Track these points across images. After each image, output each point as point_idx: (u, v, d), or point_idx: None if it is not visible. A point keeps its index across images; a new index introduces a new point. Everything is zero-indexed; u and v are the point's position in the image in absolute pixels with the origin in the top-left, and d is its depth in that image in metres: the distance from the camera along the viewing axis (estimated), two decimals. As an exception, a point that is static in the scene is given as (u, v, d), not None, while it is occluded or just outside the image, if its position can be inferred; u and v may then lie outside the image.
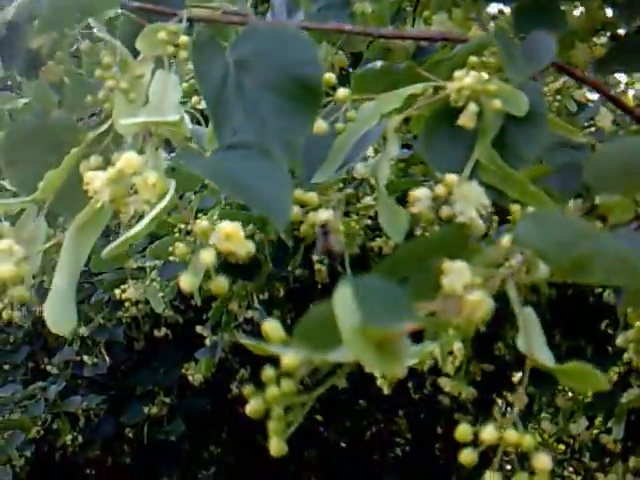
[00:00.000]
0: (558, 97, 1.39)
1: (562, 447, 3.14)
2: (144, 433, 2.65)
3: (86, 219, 0.62)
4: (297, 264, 2.05)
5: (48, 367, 2.68)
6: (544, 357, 0.56)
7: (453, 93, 0.71)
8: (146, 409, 2.61)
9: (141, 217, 0.56)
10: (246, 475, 3.04)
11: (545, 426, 2.46)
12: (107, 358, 2.55)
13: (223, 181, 0.59)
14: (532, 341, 0.56)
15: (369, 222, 1.74)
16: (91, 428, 2.69)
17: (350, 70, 1.45)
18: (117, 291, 1.95)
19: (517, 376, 2.54)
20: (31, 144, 0.72)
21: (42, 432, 2.49)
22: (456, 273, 0.58)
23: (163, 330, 2.52)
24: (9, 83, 2.07)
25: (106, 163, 0.60)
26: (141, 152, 0.59)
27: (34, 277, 1.90)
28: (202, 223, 0.52)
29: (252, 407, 0.50)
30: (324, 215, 0.69)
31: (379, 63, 0.85)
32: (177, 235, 1.63)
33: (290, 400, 0.51)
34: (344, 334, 0.46)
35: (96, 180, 0.56)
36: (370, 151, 1.23)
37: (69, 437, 2.58)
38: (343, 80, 0.92)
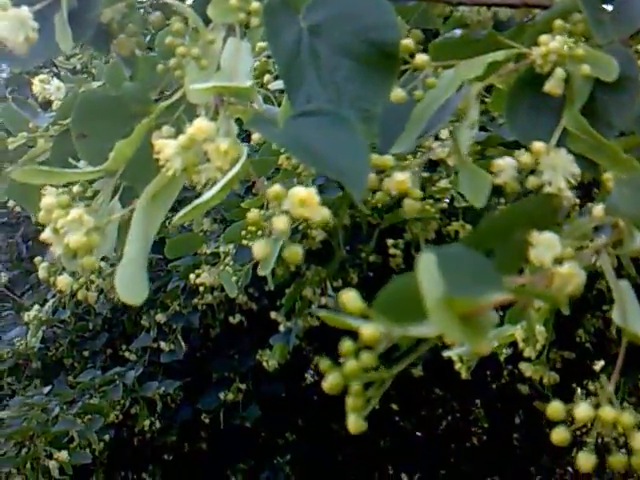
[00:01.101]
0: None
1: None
2: (220, 419, 2.67)
3: (157, 189, 0.60)
4: (371, 250, 2.03)
5: (126, 353, 2.72)
6: (642, 331, 0.52)
7: (538, 58, 0.68)
8: (222, 395, 2.63)
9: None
10: (321, 463, 3.03)
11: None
12: (183, 345, 2.57)
13: (298, 148, 0.57)
14: (629, 314, 0.53)
15: (445, 206, 1.70)
16: (169, 414, 2.72)
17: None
18: (192, 276, 1.95)
19: (599, 364, 2.48)
20: (102, 117, 0.71)
21: (121, 417, 2.52)
22: (545, 245, 0.55)
23: (238, 317, 2.53)
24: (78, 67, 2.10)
25: (178, 134, 0.59)
26: (213, 120, 0.57)
27: (112, 266, 1.90)
28: (275, 187, 0.50)
29: (330, 382, 0.47)
30: (400, 177, 0.66)
31: (458, 31, 0.81)
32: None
33: (369, 376, 0.49)
34: (428, 305, 0.43)
35: (167, 148, 0.55)
36: (446, 134, 1.20)
37: (147, 422, 2.61)
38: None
